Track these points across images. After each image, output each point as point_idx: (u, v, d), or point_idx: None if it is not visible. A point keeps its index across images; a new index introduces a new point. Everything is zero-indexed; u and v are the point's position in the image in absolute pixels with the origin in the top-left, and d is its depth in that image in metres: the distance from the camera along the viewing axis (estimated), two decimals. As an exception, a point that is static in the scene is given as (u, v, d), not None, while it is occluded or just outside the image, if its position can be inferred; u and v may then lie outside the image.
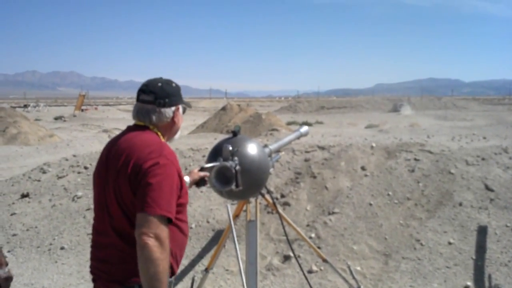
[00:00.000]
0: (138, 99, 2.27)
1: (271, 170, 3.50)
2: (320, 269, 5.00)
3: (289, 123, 30.25)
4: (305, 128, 4.69)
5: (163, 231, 1.94)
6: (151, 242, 1.88)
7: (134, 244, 1.95)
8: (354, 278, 4.48)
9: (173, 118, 2.31)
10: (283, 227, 3.77)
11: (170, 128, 2.34)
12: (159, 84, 2.27)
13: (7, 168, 13.53)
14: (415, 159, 6.54)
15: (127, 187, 2.03)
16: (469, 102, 62.43)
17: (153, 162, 2.02)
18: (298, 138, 4.70)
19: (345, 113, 50.69)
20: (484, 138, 10.22)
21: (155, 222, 1.92)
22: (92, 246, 2.26)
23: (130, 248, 2.01)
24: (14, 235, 6.39)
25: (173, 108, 2.29)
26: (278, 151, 4.05)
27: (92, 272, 2.24)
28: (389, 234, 5.43)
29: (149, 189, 1.97)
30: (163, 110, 2.24)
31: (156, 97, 2.22)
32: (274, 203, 3.67)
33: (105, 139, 21.33)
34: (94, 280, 2.23)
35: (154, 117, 2.23)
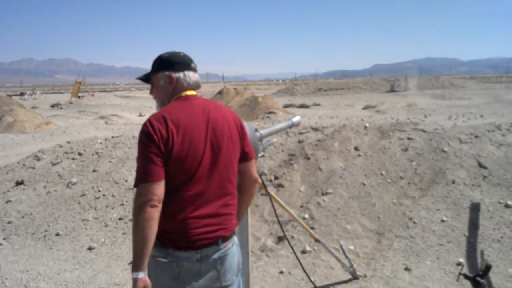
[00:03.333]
0: (188, 67, 2.40)
1: (261, 154, 3.51)
2: (314, 249, 5.02)
3: (286, 106, 30.20)
4: (297, 118, 4.68)
5: None
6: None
7: (231, 188, 2.36)
8: (346, 257, 4.52)
9: None
10: (274, 209, 3.77)
11: None
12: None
13: (4, 157, 13.51)
14: (408, 138, 6.54)
15: (238, 143, 2.38)
16: (467, 81, 62.38)
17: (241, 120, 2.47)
18: (289, 127, 4.69)
19: (342, 95, 50.66)
20: (481, 116, 10.24)
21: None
22: (194, 210, 2.24)
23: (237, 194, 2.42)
24: (9, 222, 6.40)
25: None
26: (269, 137, 4.06)
27: (202, 235, 2.23)
28: (382, 213, 5.45)
29: (249, 141, 2.46)
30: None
31: (196, 64, 2.47)
32: (264, 185, 3.67)
33: (102, 126, 21.30)
34: (201, 243, 2.23)
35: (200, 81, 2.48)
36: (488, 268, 3.12)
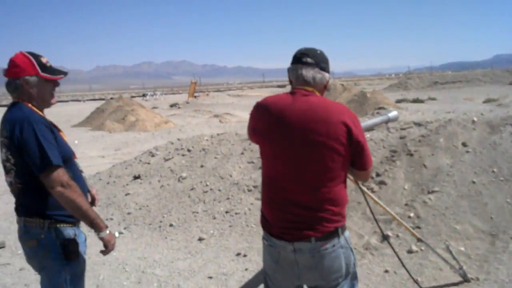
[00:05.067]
0: (299, 61, 2.40)
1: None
2: (421, 249, 4.82)
3: (398, 101, 29.09)
4: (393, 113, 4.55)
5: None
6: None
7: (324, 192, 2.28)
8: (454, 258, 4.30)
9: (326, 84, 2.46)
10: (369, 206, 3.67)
11: (321, 93, 2.46)
12: (318, 52, 2.43)
13: (127, 153, 14.78)
14: (523, 133, 6.02)
15: (340, 147, 2.23)
16: None
17: (359, 126, 2.29)
18: (385, 122, 4.56)
19: (460, 88, 47.60)
20: None
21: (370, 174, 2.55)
22: (279, 204, 2.35)
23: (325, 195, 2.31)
24: (128, 213, 7.00)
25: (328, 75, 2.45)
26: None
27: (285, 229, 2.31)
28: (495, 213, 5.08)
29: (364, 149, 2.33)
30: (323, 73, 2.40)
31: (318, 60, 2.39)
32: (356, 182, 3.62)
33: (215, 124, 22.24)
34: (283, 236, 2.32)
35: (317, 77, 2.38)
36: None
